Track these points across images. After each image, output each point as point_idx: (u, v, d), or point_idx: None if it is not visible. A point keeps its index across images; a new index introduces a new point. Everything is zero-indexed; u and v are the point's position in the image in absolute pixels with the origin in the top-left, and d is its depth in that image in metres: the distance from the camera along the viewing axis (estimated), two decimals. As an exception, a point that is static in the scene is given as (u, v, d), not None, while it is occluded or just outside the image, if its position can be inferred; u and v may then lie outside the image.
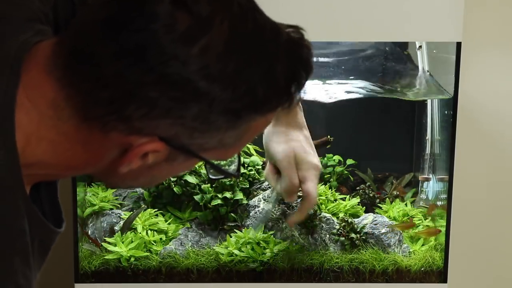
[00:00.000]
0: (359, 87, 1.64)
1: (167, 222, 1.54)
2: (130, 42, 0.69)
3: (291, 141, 1.35)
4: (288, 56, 0.74)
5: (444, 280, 1.50)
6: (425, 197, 1.67)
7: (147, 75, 0.69)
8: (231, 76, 0.71)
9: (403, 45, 1.72)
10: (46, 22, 0.83)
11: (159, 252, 1.48)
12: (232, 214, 1.54)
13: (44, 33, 0.80)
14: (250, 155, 1.61)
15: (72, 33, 0.74)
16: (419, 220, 1.59)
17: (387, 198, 1.65)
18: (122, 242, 1.48)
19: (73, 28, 0.74)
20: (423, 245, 1.53)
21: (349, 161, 1.72)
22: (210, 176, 1.07)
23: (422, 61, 1.67)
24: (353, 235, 1.49)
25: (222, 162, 0.84)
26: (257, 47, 0.73)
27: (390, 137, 1.79)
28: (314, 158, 1.36)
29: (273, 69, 0.73)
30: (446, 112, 1.54)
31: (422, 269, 1.49)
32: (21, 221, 0.75)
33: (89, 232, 1.53)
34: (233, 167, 1.02)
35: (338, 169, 1.70)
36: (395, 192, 1.67)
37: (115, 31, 0.70)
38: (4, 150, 0.72)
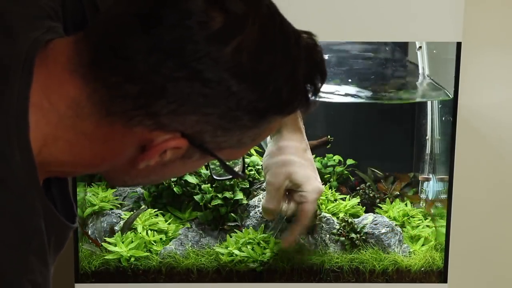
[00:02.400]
0: (359, 89, 1.64)
1: (167, 222, 1.54)
2: (165, 37, 0.69)
3: (290, 163, 1.37)
4: (307, 60, 0.75)
5: (444, 280, 1.50)
6: (425, 197, 1.67)
7: (179, 71, 0.70)
8: (260, 76, 0.72)
9: (403, 45, 1.72)
10: (57, 19, 0.83)
11: (159, 252, 1.48)
12: (232, 214, 1.54)
13: (55, 31, 0.79)
14: (250, 155, 1.61)
15: (99, 27, 0.73)
16: (419, 220, 1.59)
17: (387, 198, 1.65)
18: (122, 242, 1.48)
19: (99, 23, 0.74)
20: (423, 245, 1.53)
21: (349, 161, 1.72)
22: (214, 177, 1.08)
23: (422, 61, 1.67)
24: (353, 235, 1.49)
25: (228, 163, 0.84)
26: (283, 49, 0.74)
27: (390, 137, 1.80)
28: (316, 181, 1.38)
29: (296, 72, 0.74)
30: (446, 112, 1.54)
31: (422, 269, 1.49)
32: (38, 221, 0.75)
33: (89, 232, 1.53)
34: (237, 168, 1.02)
35: (338, 169, 1.70)
36: (395, 192, 1.67)
37: (149, 26, 0.70)
38: (19, 151, 0.72)
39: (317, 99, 0.78)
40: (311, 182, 1.37)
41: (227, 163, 0.81)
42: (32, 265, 0.75)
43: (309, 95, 0.76)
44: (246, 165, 1.57)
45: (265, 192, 1.55)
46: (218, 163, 0.88)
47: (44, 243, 0.76)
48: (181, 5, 0.70)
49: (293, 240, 1.42)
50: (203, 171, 1.54)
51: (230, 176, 1.06)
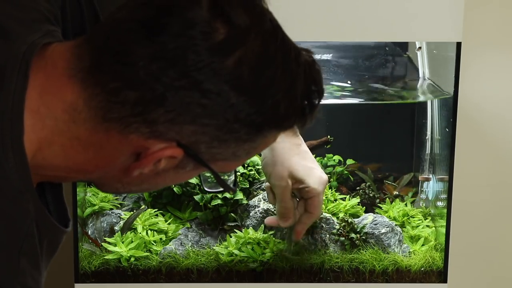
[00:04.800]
0: (359, 89, 1.64)
1: (167, 222, 1.54)
2: (168, 46, 0.70)
3: (287, 160, 1.33)
4: (305, 77, 0.76)
5: (444, 280, 1.50)
6: (425, 197, 1.67)
7: (180, 80, 0.70)
8: (260, 90, 0.72)
9: (403, 46, 1.72)
10: (55, 22, 0.83)
11: (159, 252, 1.48)
12: (232, 214, 1.54)
13: (53, 35, 0.79)
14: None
15: (101, 32, 0.73)
16: (419, 220, 1.59)
17: (387, 198, 1.65)
18: (122, 242, 1.48)
19: (101, 28, 0.74)
20: (423, 245, 1.53)
21: (349, 161, 1.72)
22: (206, 189, 1.08)
23: (422, 62, 1.67)
24: (353, 235, 1.49)
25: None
26: (283, 65, 0.74)
27: (390, 137, 1.80)
28: (317, 172, 1.35)
29: (294, 88, 0.75)
30: (446, 111, 1.54)
31: (422, 269, 1.49)
32: (30, 224, 0.74)
33: (89, 232, 1.53)
34: (229, 181, 1.03)
35: (338, 169, 1.70)
36: (395, 192, 1.67)
37: (153, 33, 0.70)
38: (12, 153, 0.72)
39: (314, 115, 0.78)
40: (313, 174, 1.34)
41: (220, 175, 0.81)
42: (23, 268, 0.75)
43: (306, 112, 0.76)
44: (246, 165, 1.57)
45: (265, 192, 1.56)
46: (210, 175, 0.88)
47: (36, 246, 0.75)
48: (185, 15, 0.70)
49: (304, 230, 1.39)
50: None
51: (222, 189, 1.06)
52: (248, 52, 0.71)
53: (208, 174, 1.03)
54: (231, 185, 0.92)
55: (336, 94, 1.58)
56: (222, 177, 0.82)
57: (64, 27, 0.84)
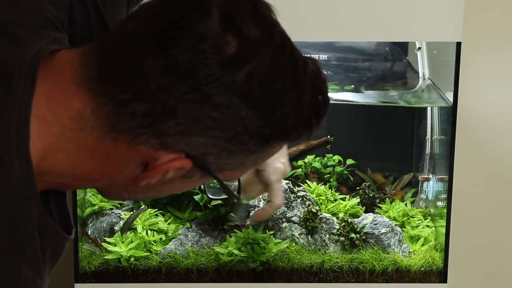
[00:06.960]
0: (359, 90, 1.64)
1: (167, 222, 1.54)
2: (179, 59, 0.69)
3: None
4: (312, 87, 0.76)
5: (444, 280, 1.50)
6: (425, 197, 1.67)
7: (190, 93, 0.70)
8: (269, 103, 0.72)
9: (403, 46, 1.72)
10: (63, 29, 0.82)
11: (159, 252, 1.48)
12: (232, 214, 1.54)
13: (61, 42, 0.79)
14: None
15: (110, 42, 0.73)
16: (419, 220, 1.59)
17: (387, 198, 1.65)
18: (122, 242, 1.48)
19: (110, 38, 0.74)
20: (423, 245, 1.53)
21: (349, 161, 1.72)
22: (209, 196, 1.07)
23: (422, 62, 1.67)
24: (353, 235, 1.49)
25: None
26: (292, 77, 0.74)
27: (390, 137, 1.80)
28: (278, 162, 1.30)
29: (302, 99, 0.74)
30: (446, 112, 1.54)
31: (422, 269, 1.49)
32: (32, 231, 0.74)
33: (89, 232, 1.53)
34: (233, 187, 1.02)
35: (338, 169, 1.70)
36: (394, 191, 1.68)
37: (165, 46, 0.70)
38: (18, 159, 0.71)
39: (320, 125, 0.78)
40: (272, 163, 1.29)
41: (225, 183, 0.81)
42: (26, 273, 0.74)
43: (313, 122, 0.77)
44: None
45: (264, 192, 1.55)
46: (214, 181, 0.88)
47: (38, 252, 0.75)
48: (197, 28, 0.70)
49: (265, 217, 1.38)
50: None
51: (226, 196, 1.05)
52: (258, 66, 0.71)
53: (213, 183, 1.03)
54: (235, 192, 0.91)
55: (336, 94, 1.58)
56: (225, 183, 0.82)
57: (71, 33, 0.84)
